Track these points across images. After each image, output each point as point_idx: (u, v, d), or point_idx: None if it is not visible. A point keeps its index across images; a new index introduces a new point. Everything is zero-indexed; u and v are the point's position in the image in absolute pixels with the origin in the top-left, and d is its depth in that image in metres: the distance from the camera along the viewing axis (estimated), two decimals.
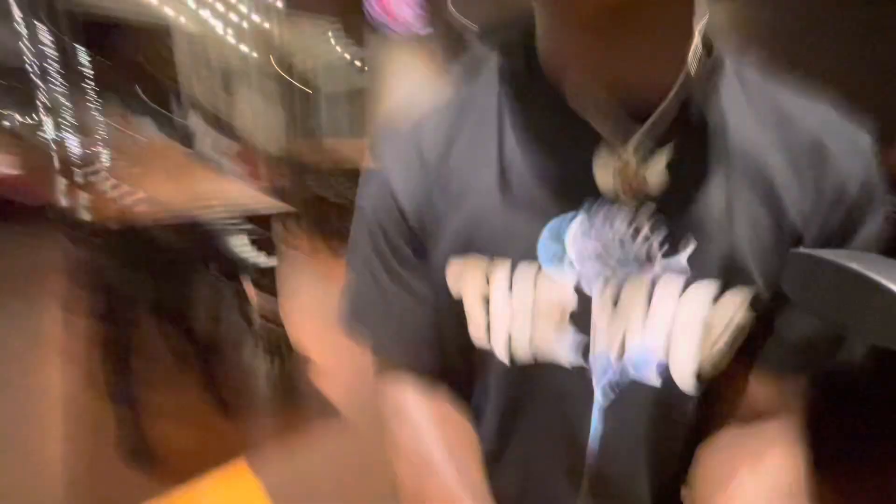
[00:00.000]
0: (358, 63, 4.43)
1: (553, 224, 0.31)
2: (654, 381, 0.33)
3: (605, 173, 0.30)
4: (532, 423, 0.37)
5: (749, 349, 0.34)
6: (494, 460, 0.39)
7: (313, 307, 2.48)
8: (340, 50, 4.46)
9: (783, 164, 0.31)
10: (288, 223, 1.78)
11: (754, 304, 0.31)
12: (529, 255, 0.32)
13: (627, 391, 0.33)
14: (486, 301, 0.33)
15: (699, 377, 0.33)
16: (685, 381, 0.33)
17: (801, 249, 0.26)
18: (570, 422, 0.35)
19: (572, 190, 0.31)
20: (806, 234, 0.31)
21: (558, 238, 0.31)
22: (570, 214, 0.31)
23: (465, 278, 0.34)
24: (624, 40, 0.28)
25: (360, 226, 0.38)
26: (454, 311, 0.35)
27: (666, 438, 0.36)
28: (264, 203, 1.76)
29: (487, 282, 0.33)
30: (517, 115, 0.33)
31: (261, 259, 1.62)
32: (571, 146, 0.31)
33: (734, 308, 0.31)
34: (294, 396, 1.82)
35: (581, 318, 0.32)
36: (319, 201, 3.76)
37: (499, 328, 0.34)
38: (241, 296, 1.75)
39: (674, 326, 0.31)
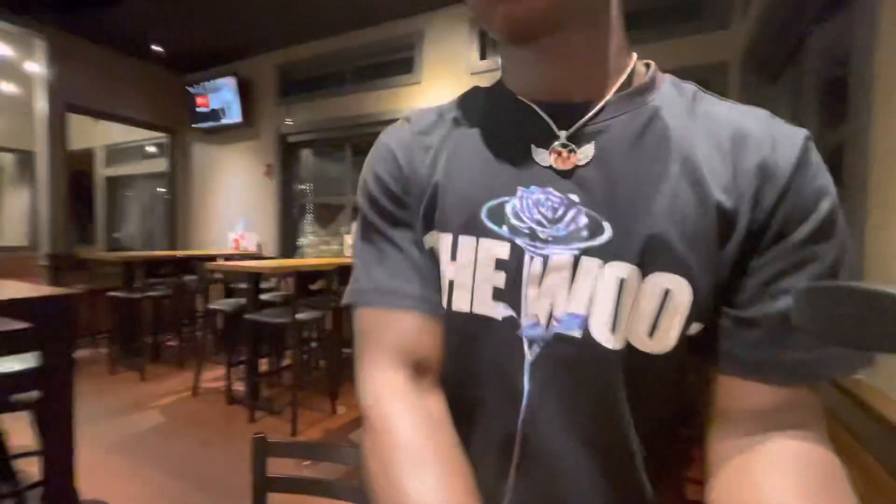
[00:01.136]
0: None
1: (491, 205, 0.38)
2: (576, 332, 0.35)
3: (545, 153, 0.38)
4: (473, 381, 0.39)
5: (725, 351, 0.35)
6: None
7: (112, 441, 2.13)
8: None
9: (708, 150, 0.35)
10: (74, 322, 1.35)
11: (696, 290, 0.33)
12: (469, 230, 0.38)
13: (552, 345, 0.36)
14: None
15: (615, 332, 0.34)
16: (598, 332, 0.35)
17: (809, 283, 0.25)
18: (508, 373, 0.37)
19: (508, 178, 0.38)
20: (738, 213, 0.33)
21: (494, 216, 0.37)
22: (505, 198, 0.38)
23: (432, 243, 0.41)
24: (543, 58, 0.38)
25: (362, 206, 0.45)
26: (433, 265, 0.41)
27: (594, 401, 0.36)
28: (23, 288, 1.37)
29: (440, 249, 0.40)
30: (475, 124, 0.42)
31: (15, 364, 1.22)
32: (515, 140, 0.39)
33: (663, 285, 0.34)
34: None
35: (513, 286, 0.37)
36: (121, 304, 3.22)
37: (446, 281, 0.39)
38: None
39: (595, 294, 0.35)
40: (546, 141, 0.38)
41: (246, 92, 4.38)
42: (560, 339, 0.36)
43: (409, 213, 0.42)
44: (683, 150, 0.35)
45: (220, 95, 4.42)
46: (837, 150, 1.18)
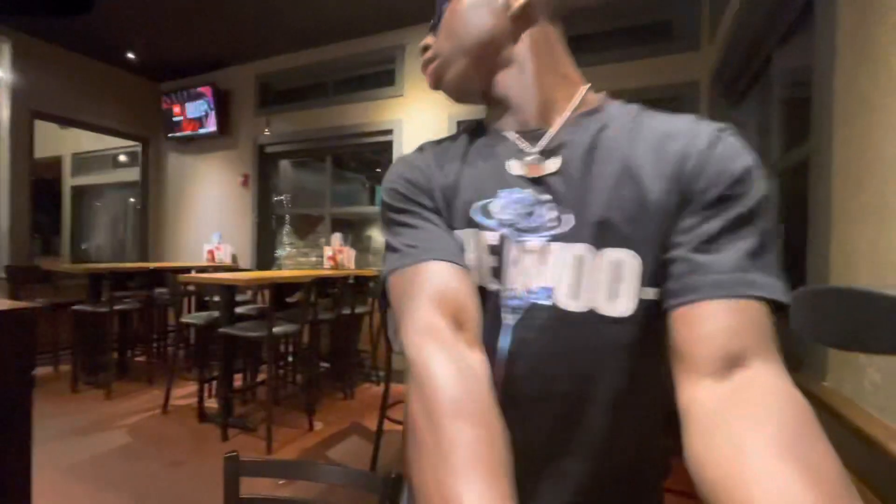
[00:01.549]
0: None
1: (480, 204, 0.48)
2: (546, 301, 0.44)
3: (516, 166, 0.48)
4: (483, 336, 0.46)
5: (681, 290, 0.39)
6: None
7: (73, 464, 2.06)
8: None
9: (644, 150, 0.44)
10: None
11: (643, 259, 0.42)
12: (468, 224, 0.48)
13: (529, 311, 0.45)
14: None
15: (577, 299, 0.43)
16: (563, 300, 0.44)
17: (803, 287, 0.25)
18: (493, 334, 0.46)
19: (492, 185, 0.48)
20: (668, 193, 0.42)
21: (485, 213, 0.48)
22: (490, 199, 0.48)
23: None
24: (493, 106, 0.54)
25: (392, 203, 0.51)
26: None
27: (563, 357, 0.44)
28: None
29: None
30: (470, 148, 0.53)
31: None
32: (495, 158, 0.50)
33: (619, 258, 0.42)
34: None
35: (501, 265, 0.46)
36: (83, 317, 3.09)
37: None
38: None
39: (560, 270, 0.44)
40: (519, 158, 0.49)
41: (223, 102, 4.32)
42: (534, 307, 0.45)
43: (436, 205, 0.51)
44: (623, 153, 0.44)
45: (197, 105, 4.35)
46: (802, 165, 1.23)
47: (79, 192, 5.72)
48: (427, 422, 0.35)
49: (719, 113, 2.41)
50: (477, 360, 0.40)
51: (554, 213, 0.45)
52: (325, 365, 3.31)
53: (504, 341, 0.45)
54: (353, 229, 4.45)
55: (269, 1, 3.21)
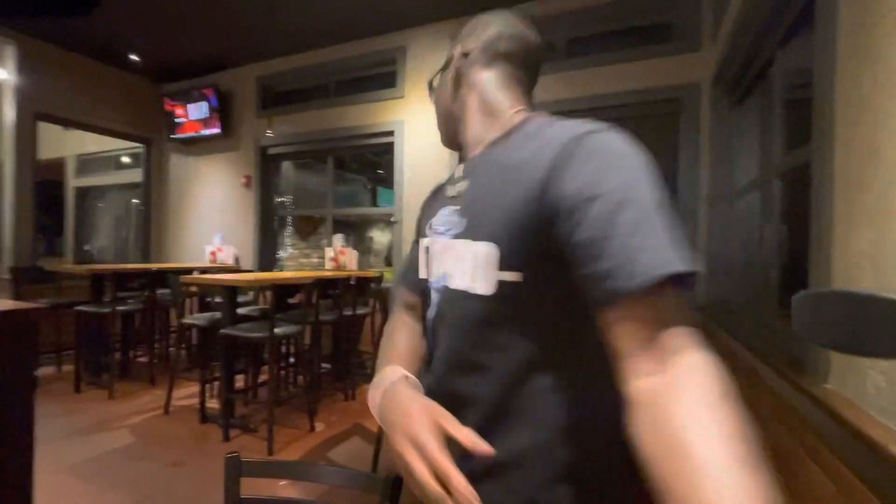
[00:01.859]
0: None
1: (428, 220, 0.68)
2: (448, 283, 0.59)
3: (451, 189, 0.66)
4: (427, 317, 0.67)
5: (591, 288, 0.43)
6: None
7: (75, 464, 2.07)
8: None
9: (528, 159, 0.51)
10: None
11: (501, 250, 0.51)
12: (423, 234, 0.70)
13: (443, 292, 0.61)
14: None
15: (461, 280, 0.57)
16: (455, 281, 0.58)
17: (804, 291, 0.25)
18: (428, 311, 0.65)
19: (436, 205, 0.68)
20: (535, 197, 0.48)
21: (427, 226, 0.68)
22: (435, 215, 0.66)
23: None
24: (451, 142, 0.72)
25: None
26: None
27: (462, 323, 0.57)
28: None
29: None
30: (446, 181, 0.71)
31: None
32: (446, 185, 0.69)
33: (482, 249, 0.53)
34: None
35: (429, 260, 0.66)
36: (86, 317, 3.10)
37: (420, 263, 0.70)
38: None
39: (456, 260, 0.58)
40: (452, 183, 0.66)
41: (226, 103, 4.33)
42: (444, 288, 0.61)
43: (418, 233, 0.74)
44: (505, 166, 0.55)
45: (199, 106, 4.37)
46: (804, 167, 1.23)
47: (82, 193, 5.74)
48: (387, 336, 0.71)
49: (720, 114, 2.41)
50: (413, 321, 0.73)
51: (458, 219, 0.60)
52: (327, 366, 3.31)
53: (432, 314, 0.64)
54: (354, 230, 4.46)
55: (270, 3, 3.22)
